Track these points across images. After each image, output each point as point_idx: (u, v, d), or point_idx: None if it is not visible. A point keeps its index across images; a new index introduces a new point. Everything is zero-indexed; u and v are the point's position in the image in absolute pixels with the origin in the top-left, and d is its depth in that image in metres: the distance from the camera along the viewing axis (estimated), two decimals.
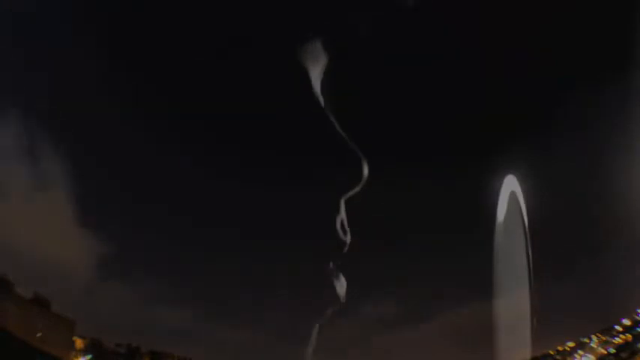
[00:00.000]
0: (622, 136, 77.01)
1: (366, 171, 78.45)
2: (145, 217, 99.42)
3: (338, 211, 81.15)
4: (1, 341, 52.72)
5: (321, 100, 76.95)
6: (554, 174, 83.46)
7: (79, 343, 69.79)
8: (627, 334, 74.79)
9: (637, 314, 75.44)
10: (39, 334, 59.63)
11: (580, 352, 79.56)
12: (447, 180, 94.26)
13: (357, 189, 78.64)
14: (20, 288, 61.81)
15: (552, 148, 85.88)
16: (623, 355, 72.89)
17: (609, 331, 77.68)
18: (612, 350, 75.36)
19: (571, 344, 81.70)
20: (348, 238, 78.68)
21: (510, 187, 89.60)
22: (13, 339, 54.38)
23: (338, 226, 78.77)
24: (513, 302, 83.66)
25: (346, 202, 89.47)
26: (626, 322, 76.00)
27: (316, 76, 75.40)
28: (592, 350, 78.39)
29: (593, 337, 79.29)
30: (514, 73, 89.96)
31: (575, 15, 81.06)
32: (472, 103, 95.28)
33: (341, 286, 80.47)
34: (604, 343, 77.35)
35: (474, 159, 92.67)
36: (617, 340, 75.88)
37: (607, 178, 76.90)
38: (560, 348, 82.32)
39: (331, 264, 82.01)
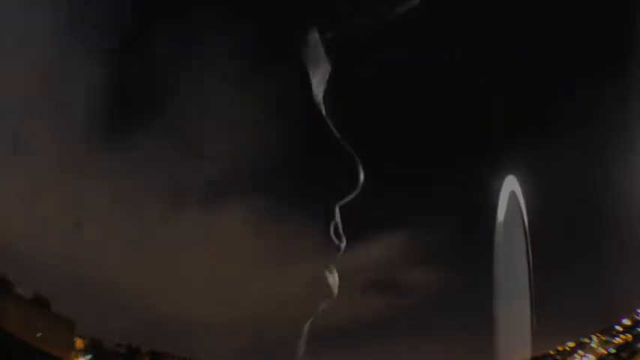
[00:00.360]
0: (622, 136, 77.25)
1: (362, 177, 77.10)
2: None
3: (333, 217, 79.77)
4: (1, 341, 52.60)
5: (322, 108, 75.05)
6: (554, 174, 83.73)
7: (79, 343, 69.66)
8: (627, 334, 74.76)
9: (637, 314, 75.44)
10: (39, 334, 59.42)
11: (580, 352, 79.54)
12: (447, 180, 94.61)
13: (352, 195, 77.51)
14: (20, 288, 61.53)
15: (552, 148, 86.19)
16: (623, 355, 72.86)
17: (609, 331, 77.66)
18: (612, 350, 75.33)
19: (571, 344, 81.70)
20: (343, 244, 77.64)
21: (510, 187, 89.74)
22: (13, 339, 54.21)
23: (331, 232, 77.24)
24: (513, 302, 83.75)
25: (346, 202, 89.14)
26: (626, 322, 75.99)
27: (317, 82, 73.55)
28: (592, 350, 78.36)
29: (593, 337, 79.27)
30: (514, 73, 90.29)
31: (575, 15, 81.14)
32: (472, 103, 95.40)
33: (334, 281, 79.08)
34: (604, 343, 77.31)
35: (474, 159, 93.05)
36: (617, 340, 75.85)
37: (607, 178, 77.04)
38: (560, 348, 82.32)
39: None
